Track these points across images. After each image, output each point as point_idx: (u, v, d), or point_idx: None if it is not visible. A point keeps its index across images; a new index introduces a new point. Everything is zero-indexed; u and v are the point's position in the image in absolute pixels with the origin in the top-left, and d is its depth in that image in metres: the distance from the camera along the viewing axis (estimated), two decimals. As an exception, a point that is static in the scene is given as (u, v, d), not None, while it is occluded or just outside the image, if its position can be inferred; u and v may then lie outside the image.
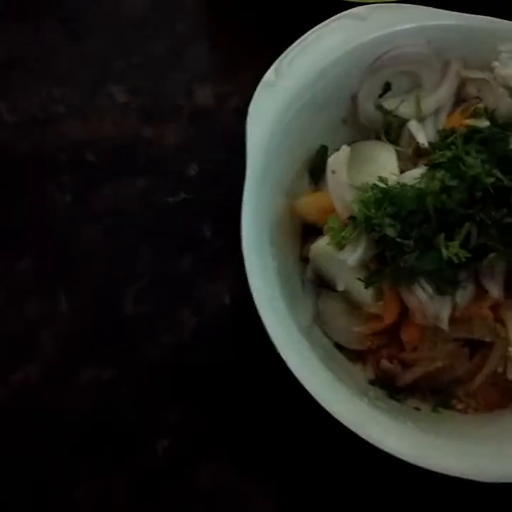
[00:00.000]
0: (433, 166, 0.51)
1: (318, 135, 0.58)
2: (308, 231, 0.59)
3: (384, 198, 0.50)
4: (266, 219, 0.53)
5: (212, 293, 0.60)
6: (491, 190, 0.48)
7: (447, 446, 0.48)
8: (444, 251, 0.47)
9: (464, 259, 0.47)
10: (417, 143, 0.57)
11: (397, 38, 0.54)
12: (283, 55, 0.52)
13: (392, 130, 0.58)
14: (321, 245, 0.54)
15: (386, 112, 0.58)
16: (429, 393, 0.56)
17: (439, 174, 0.49)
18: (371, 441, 0.45)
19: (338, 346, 0.57)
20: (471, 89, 0.57)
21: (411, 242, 0.48)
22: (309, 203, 0.57)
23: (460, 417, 0.55)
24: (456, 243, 0.47)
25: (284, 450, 0.55)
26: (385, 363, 0.55)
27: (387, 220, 0.49)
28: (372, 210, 0.50)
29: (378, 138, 0.59)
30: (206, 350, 0.58)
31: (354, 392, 0.51)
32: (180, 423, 0.56)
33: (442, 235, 0.48)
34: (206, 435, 0.55)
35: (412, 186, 0.50)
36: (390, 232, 0.49)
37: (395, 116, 0.58)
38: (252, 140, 0.50)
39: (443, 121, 0.57)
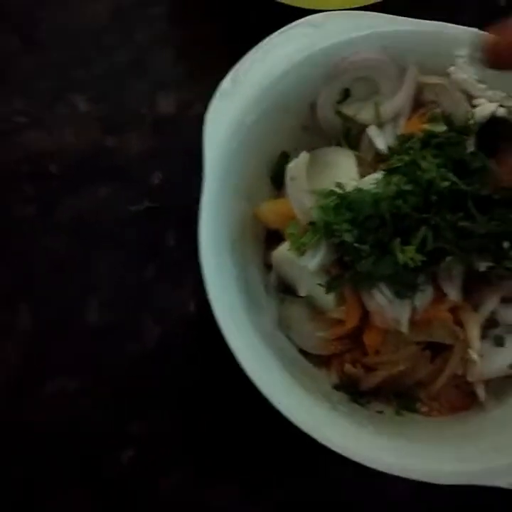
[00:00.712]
0: (390, 171, 0.51)
1: (279, 142, 0.58)
2: (271, 237, 0.59)
3: (341, 204, 0.50)
4: (226, 226, 0.53)
5: (177, 301, 0.60)
6: (446, 194, 0.49)
7: (407, 448, 0.48)
8: (399, 255, 0.48)
9: (419, 264, 0.47)
10: (377, 148, 0.57)
11: (352, 44, 0.54)
12: (238, 63, 0.52)
13: (351, 136, 0.59)
14: (282, 251, 0.54)
15: (345, 118, 0.58)
16: (393, 396, 0.56)
17: (395, 179, 0.50)
18: (330, 445, 0.45)
19: (303, 352, 0.58)
20: (429, 94, 0.58)
21: (368, 247, 0.48)
22: (271, 210, 0.57)
23: (424, 419, 0.55)
24: (411, 248, 0.47)
25: (248, 459, 0.55)
26: (348, 367, 0.56)
27: (345, 226, 0.50)
28: (331, 216, 0.51)
29: (339, 144, 0.60)
30: (171, 359, 0.58)
31: (317, 397, 0.51)
32: (146, 433, 0.56)
33: (398, 240, 0.48)
34: (171, 445, 0.55)
35: (368, 191, 0.50)
36: (348, 237, 0.49)
37: (355, 122, 0.58)
38: (209, 149, 0.50)
39: (402, 127, 0.58)
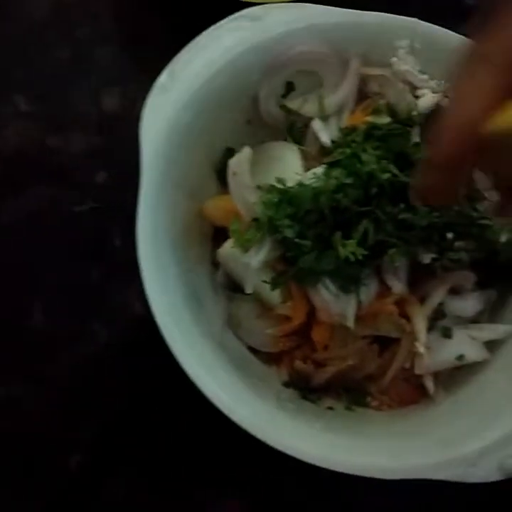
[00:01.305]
0: (331, 165, 0.51)
1: (223, 137, 0.57)
2: (219, 235, 0.58)
3: (283, 199, 0.50)
4: (168, 225, 0.52)
5: (124, 302, 0.59)
6: (387, 187, 0.48)
7: (356, 445, 0.48)
8: (340, 250, 0.47)
9: (360, 257, 0.47)
10: (321, 142, 0.56)
11: (293, 37, 0.53)
12: (175, 59, 0.51)
13: (296, 130, 0.58)
14: (227, 248, 0.54)
15: (289, 112, 0.58)
16: (343, 392, 0.56)
17: (336, 172, 0.49)
18: (274, 444, 0.45)
19: (253, 350, 0.57)
20: (373, 86, 0.57)
21: (309, 243, 0.48)
22: (216, 206, 0.56)
23: (374, 414, 0.55)
24: (352, 242, 0.47)
25: (194, 463, 0.54)
26: (298, 363, 0.55)
27: (286, 221, 0.49)
28: (274, 212, 0.50)
29: (284, 138, 0.59)
30: (119, 362, 0.57)
31: (264, 395, 0.50)
32: (93, 438, 0.55)
33: (338, 234, 0.47)
34: (118, 450, 0.54)
35: (309, 186, 0.49)
36: (289, 233, 0.49)
37: (299, 115, 0.58)
38: (146, 146, 0.49)
39: (346, 119, 0.57)
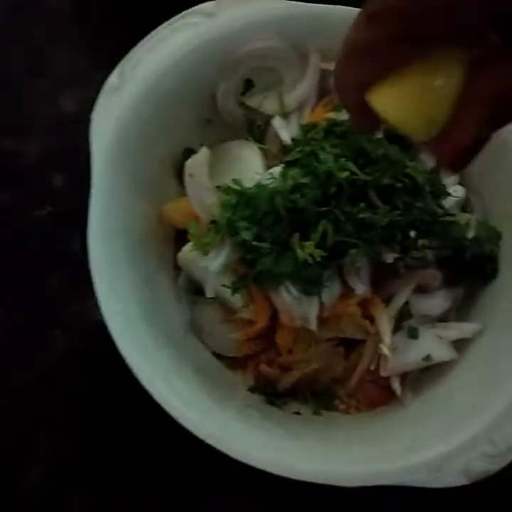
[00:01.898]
0: (289, 164, 0.49)
1: (181, 137, 0.56)
2: (182, 237, 0.56)
3: (240, 201, 0.48)
4: (124, 229, 0.50)
5: (84, 309, 0.57)
6: (345, 185, 0.47)
7: (319, 452, 0.47)
8: (299, 252, 0.46)
9: (319, 259, 0.45)
10: (282, 140, 0.55)
11: (248, 33, 0.52)
12: (127, 57, 0.49)
13: (256, 128, 0.57)
14: (186, 252, 0.52)
15: (249, 110, 0.56)
16: (310, 396, 0.54)
17: (293, 172, 0.48)
18: (231, 453, 0.44)
19: (218, 355, 0.56)
20: (335, 82, 0.56)
21: (267, 245, 0.46)
22: (175, 209, 0.55)
23: (342, 418, 0.54)
24: (310, 243, 0.45)
25: (158, 474, 0.53)
26: (264, 367, 0.54)
27: (243, 223, 0.47)
28: (231, 213, 0.49)
29: (246, 137, 0.58)
30: (79, 371, 0.56)
31: (226, 402, 0.49)
32: (55, 449, 0.53)
33: (297, 236, 0.46)
34: (80, 461, 0.53)
35: (266, 186, 0.48)
36: (246, 235, 0.47)
37: (259, 113, 0.56)
38: (97, 149, 0.48)
39: (307, 116, 0.56)
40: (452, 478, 0.44)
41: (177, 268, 0.56)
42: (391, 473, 0.44)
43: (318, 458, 0.46)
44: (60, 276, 0.58)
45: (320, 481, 0.43)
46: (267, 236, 0.47)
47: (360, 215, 0.46)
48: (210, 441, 0.43)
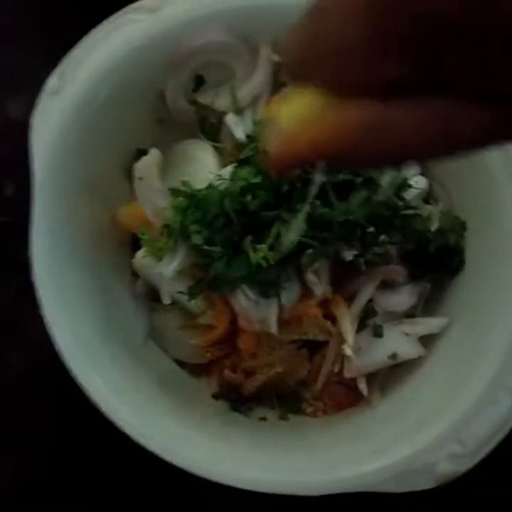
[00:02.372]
0: (240, 162, 0.47)
1: (132, 138, 0.54)
2: (138, 242, 0.54)
3: (190, 203, 0.46)
4: (73, 236, 0.48)
5: (43, 323, 0.55)
6: (298, 184, 0.45)
7: (279, 461, 0.45)
8: (252, 255, 0.44)
9: (272, 262, 0.44)
10: (236, 137, 0.53)
11: (194, 27, 0.49)
12: (65, 59, 0.47)
13: (209, 126, 0.54)
14: (140, 258, 0.50)
15: (201, 107, 0.54)
16: (276, 400, 0.53)
17: (244, 172, 0.46)
18: (191, 469, 0.42)
19: (180, 362, 0.54)
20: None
21: (218, 249, 0.45)
22: (128, 213, 0.53)
23: (309, 421, 0.52)
24: (264, 246, 0.44)
25: (122, 495, 0.51)
26: (227, 373, 0.52)
27: (194, 227, 0.46)
28: (182, 217, 0.47)
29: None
30: (39, 388, 0.54)
31: (184, 412, 0.47)
32: (16, 472, 0.52)
33: (249, 238, 0.44)
34: (43, 482, 0.51)
35: (216, 188, 0.46)
36: (197, 239, 0.45)
37: (212, 110, 0.54)
38: (38, 154, 0.46)
39: (261, 111, 0.54)
40: (419, 481, 0.43)
41: (135, 274, 0.54)
42: (355, 478, 0.42)
43: (280, 468, 0.44)
44: (14, 289, 0.56)
45: (283, 493, 0.42)
46: (218, 239, 0.45)
47: (317, 212, 0.45)
48: (165, 456, 0.42)
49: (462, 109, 0.20)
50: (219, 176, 0.46)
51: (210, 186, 0.47)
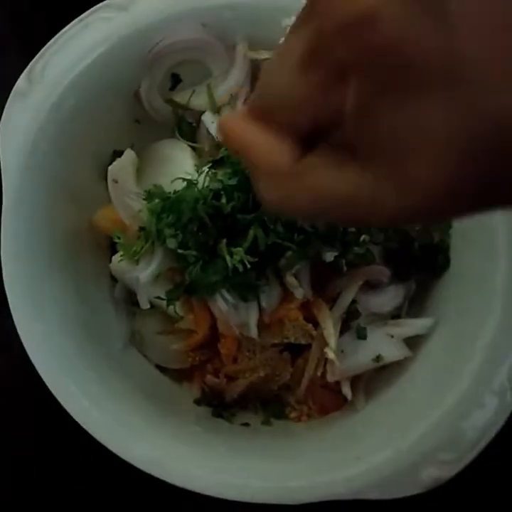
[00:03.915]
0: (215, 163, 0.46)
1: (109, 139, 0.52)
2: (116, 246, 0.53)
3: (164, 206, 0.45)
4: (48, 241, 0.47)
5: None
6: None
7: (260, 469, 0.44)
8: (228, 259, 0.43)
9: (249, 266, 0.42)
10: (214, 136, 0.51)
11: (167, 25, 0.48)
12: (35, 59, 0.46)
13: (185, 125, 0.53)
14: (116, 262, 0.49)
15: (178, 106, 0.53)
16: (260, 405, 0.52)
17: (220, 173, 0.45)
18: (168, 479, 0.41)
19: (162, 367, 0.53)
20: (267, 71, 0.52)
21: (193, 253, 0.43)
22: (105, 216, 0.51)
23: (293, 426, 0.51)
24: (240, 249, 0.42)
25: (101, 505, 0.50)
26: (209, 378, 0.51)
27: (169, 230, 0.44)
28: (156, 220, 0.46)
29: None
30: (17, 394, 0.53)
31: (167, 420, 0.46)
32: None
33: (224, 242, 0.43)
34: (22, 490, 0.50)
35: (190, 190, 0.45)
36: (171, 243, 0.44)
37: (189, 109, 0.53)
38: (7, 159, 0.44)
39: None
40: (404, 487, 0.42)
41: (114, 278, 0.53)
42: (337, 486, 0.41)
43: (259, 475, 0.43)
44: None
45: (265, 501, 0.41)
46: (193, 243, 0.44)
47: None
48: (141, 466, 0.41)
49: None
50: (193, 178, 0.45)
51: (184, 189, 0.45)
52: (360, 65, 0.20)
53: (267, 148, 0.23)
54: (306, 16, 0.23)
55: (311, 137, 0.23)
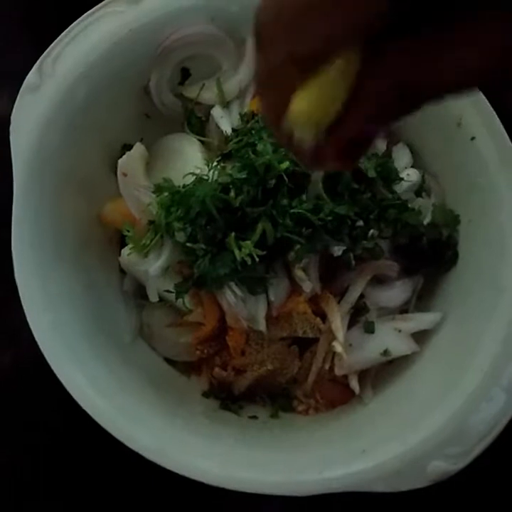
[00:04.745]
0: (224, 157, 0.46)
1: (118, 133, 0.53)
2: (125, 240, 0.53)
3: (174, 200, 0.45)
4: (57, 233, 0.47)
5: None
6: (286, 178, 0.44)
7: (269, 461, 0.44)
8: (236, 252, 0.43)
9: (257, 259, 0.43)
10: (223, 130, 0.52)
11: (177, 19, 0.48)
12: (46, 52, 0.46)
13: (194, 119, 0.53)
14: (125, 255, 0.49)
15: (187, 100, 0.53)
16: (268, 398, 0.52)
17: (230, 166, 0.45)
18: (173, 468, 0.41)
19: (170, 360, 0.53)
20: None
21: (201, 246, 0.44)
22: (115, 209, 0.52)
23: (301, 419, 0.51)
24: (248, 243, 0.43)
25: (110, 495, 0.50)
26: (217, 371, 0.51)
27: (177, 224, 0.45)
28: (166, 213, 0.46)
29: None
30: (26, 386, 0.53)
31: (175, 411, 0.47)
32: (2, 471, 0.51)
33: (233, 235, 0.43)
34: (30, 482, 0.50)
35: (200, 184, 0.45)
36: (180, 236, 0.44)
37: (198, 103, 0.53)
38: (18, 152, 0.45)
39: (249, 104, 0.52)
40: (411, 480, 0.42)
41: (123, 271, 0.53)
42: (344, 478, 0.41)
43: (267, 467, 0.43)
44: (0, 286, 0.55)
45: (272, 493, 0.41)
46: (202, 237, 0.44)
47: (303, 207, 0.43)
48: (152, 457, 0.41)
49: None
50: (202, 172, 0.45)
51: (193, 183, 0.46)
52: None
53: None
54: None
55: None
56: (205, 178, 0.45)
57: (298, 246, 0.44)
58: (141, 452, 0.41)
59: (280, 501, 0.48)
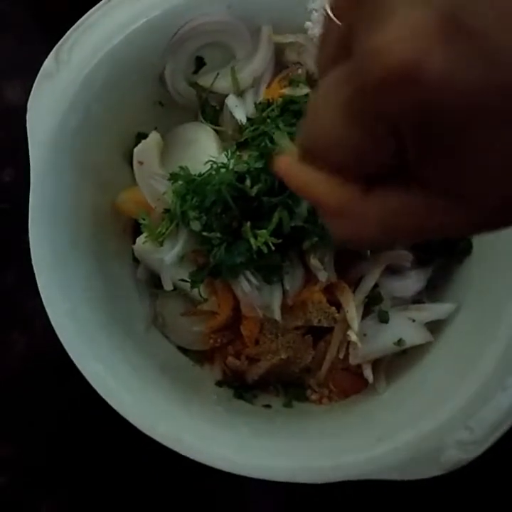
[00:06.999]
0: (240, 145, 0.46)
1: (133, 121, 0.53)
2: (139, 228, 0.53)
3: (189, 188, 0.45)
4: (72, 221, 0.47)
5: (42, 307, 0.54)
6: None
7: (283, 447, 0.44)
8: (252, 241, 0.43)
9: (273, 248, 0.43)
10: (237, 119, 0.52)
11: (193, 7, 0.48)
12: (62, 40, 0.46)
13: (209, 108, 0.53)
14: (140, 244, 0.49)
15: (201, 89, 0.53)
16: (281, 387, 0.52)
17: (246, 155, 0.45)
18: (191, 455, 0.41)
19: (183, 349, 0.53)
20: (291, 55, 0.52)
21: (217, 235, 0.44)
22: (129, 198, 0.52)
23: (314, 408, 0.51)
24: (264, 232, 0.43)
25: (120, 482, 0.51)
26: (231, 360, 0.51)
27: (193, 213, 0.45)
28: (181, 202, 0.46)
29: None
30: (40, 374, 0.53)
31: (190, 400, 0.47)
32: (16, 458, 0.51)
33: (248, 224, 0.43)
34: (43, 469, 0.51)
35: (215, 172, 0.45)
36: (195, 225, 0.44)
37: (212, 92, 0.53)
38: (34, 140, 0.45)
39: (263, 93, 0.52)
40: (425, 468, 0.42)
41: (137, 260, 0.53)
42: (358, 466, 0.41)
43: (284, 455, 0.44)
44: (15, 275, 0.55)
45: (287, 480, 0.41)
46: (217, 225, 0.44)
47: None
48: (167, 443, 0.41)
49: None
50: (217, 161, 0.45)
51: (208, 172, 0.46)
52: (412, 120, 0.19)
53: (328, 189, 0.23)
54: (341, 50, 0.22)
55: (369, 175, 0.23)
56: (223, 167, 0.45)
57: (315, 238, 0.44)
58: (157, 439, 0.41)
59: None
